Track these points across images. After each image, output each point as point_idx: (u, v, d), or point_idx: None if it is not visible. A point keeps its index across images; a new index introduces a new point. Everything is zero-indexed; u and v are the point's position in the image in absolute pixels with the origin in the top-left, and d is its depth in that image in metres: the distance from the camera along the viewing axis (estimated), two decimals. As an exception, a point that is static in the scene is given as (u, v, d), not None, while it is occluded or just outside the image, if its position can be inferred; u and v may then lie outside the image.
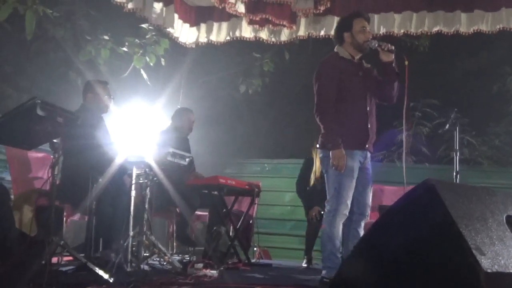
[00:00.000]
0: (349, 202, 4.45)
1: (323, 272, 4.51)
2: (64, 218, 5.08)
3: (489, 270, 1.89)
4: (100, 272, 3.94)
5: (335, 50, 4.67)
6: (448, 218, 1.99)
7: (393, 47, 4.48)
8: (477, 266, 1.88)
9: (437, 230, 2.05)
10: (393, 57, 4.50)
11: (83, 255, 4.51)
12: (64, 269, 4.43)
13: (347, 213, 4.48)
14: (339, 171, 4.41)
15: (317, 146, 4.69)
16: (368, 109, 4.57)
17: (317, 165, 6.59)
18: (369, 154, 4.65)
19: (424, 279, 2.10)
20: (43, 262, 3.59)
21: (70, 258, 4.70)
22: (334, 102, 4.47)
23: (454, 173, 5.11)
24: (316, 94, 4.53)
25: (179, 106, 8.19)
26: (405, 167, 4.72)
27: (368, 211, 4.65)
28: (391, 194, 7.51)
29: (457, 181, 5.22)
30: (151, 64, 7.88)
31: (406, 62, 4.43)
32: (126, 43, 7.80)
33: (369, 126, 4.56)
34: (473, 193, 2.22)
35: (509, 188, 8.49)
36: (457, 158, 5.12)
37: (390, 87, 4.58)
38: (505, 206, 2.25)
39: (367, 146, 4.57)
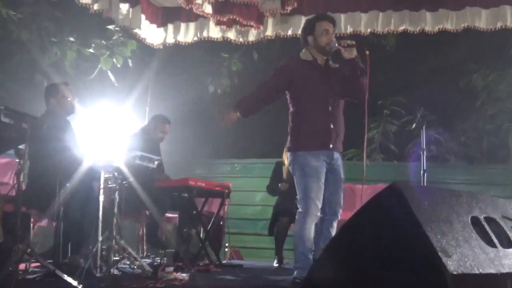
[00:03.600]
0: (318, 203, 4.49)
1: (295, 272, 4.54)
2: (32, 224, 5.01)
3: (455, 272, 1.91)
4: (69, 279, 3.89)
5: (300, 53, 4.77)
6: (414, 221, 2.01)
7: (353, 42, 4.53)
8: (443, 268, 1.90)
9: (404, 232, 2.07)
10: (355, 52, 4.55)
11: (51, 261, 4.45)
12: (32, 276, 4.36)
13: (318, 214, 4.51)
14: (304, 172, 4.52)
15: (286, 149, 4.80)
16: (330, 109, 4.60)
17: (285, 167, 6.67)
18: (337, 155, 4.66)
19: (392, 281, 2.12)
20: (10, 269, 3.53)
21: (38, 264, 4.64)
22: (269, 96, 4.76)
23: (422, 172, 5.17)
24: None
25: (147, 108, 8.14)
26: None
27: (340, 211, 4.68)
28: (361, 193, 7.57)
29: (425, 179, 5.28)
30: (118, 65, 7.81)
31: (367, 52, 4.49)
32: (93, 45, 7.72)
33: (331, 126, 4.59)
34: (439, 195, 2.25)
35: (475, 184, 8.62)
36: (424, 157, 5.18)
37: (358, 83, 4.59)
38: (470, 207, 2.28)
39: (331, 146, 4.60)
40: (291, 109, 4.72)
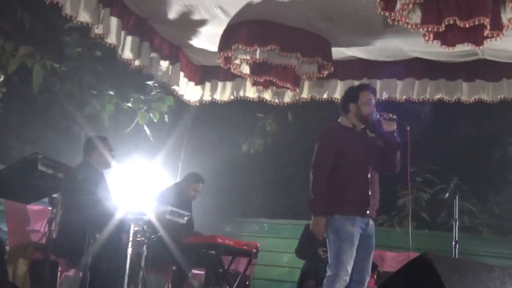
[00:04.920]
0: (349, 268, 4.45)
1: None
2: (59, 273, 5.03)
3: None
4: (92, 331, 3.88)
5: (339, 120, 4.81)
6: (444, 294, 1.97)
7: (394, 116, 4.57)
8: None
9: (433, 305, 2.03)
10: (395, 126, 4.59)
11: (75, 312, 4.45)
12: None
13: (347, 279, 4.46)
14: (339, 237, 4.44)
15: None
16: (369, 176, 4.62)
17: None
18: (371, 222, 4.65)
19: None
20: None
21: (62, 314, 4.64)
22: (328, 170, 4.57)
23: (454, 242, 5.07)
24: (312, 161, 4.64)
25: (180, 163, 8.22)
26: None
27: (368, 279, 4.62)
28: (391, 260, 7.45)
29: (456, 250, 5.19)
30: (155, 120, 7.95)
31: (408, 128, 4.53)
32: (131, 99, 7.89)
33: (370, 193, 4.59)
34: (470, 269, 2.20)
35: (509, 258, 8.40)
36: (456, 228, 5.09)
37: (393, 156, 4.66)
38: (502, 283, 2.23)
39: (367, 212, 4.58)
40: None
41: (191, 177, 6.75)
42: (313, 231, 4.51)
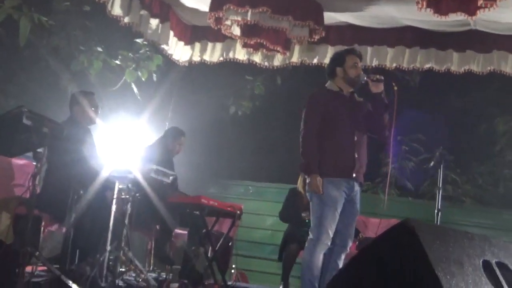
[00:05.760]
0: (331, 232, 4.48)
1: (300, 300, 4.51)
2: (42, 228, 5.03)
3: (462, 315, 1.89)
4: (74, 286, 3.91)
5: (326, 84, 4.82)
6: (425, 260, 1.99)
7: (381, 77, 4.58)
8: (451, 310, 1.88)
9: (413, 271, 2.05)
10: (382, 87, 4.59)
11: (58, 266, 4.45)
12: (37, 280, 4.37)
13: (329, 243, 4.49)
14: (321, 200, 4.47)
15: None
16: (356, 139, 4.63)
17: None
18: (357, 187, 4.66)
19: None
20: (17, 271, 3.55)
21: (45, 268, 4.64)
22: (316, 133, 4.59)
23: (436, 211, 5.13)
24: (301, 126, 4.67)
25: (167, 123, 8.18)
26: (388, 199, 4.76)
27: (350, 244, 4.67)
28: (374, 226, 7.51)
29: (439, 219, 5.25)
30: (143, 79, 7.88)
31: (396, 88, 4.53)
32: (119, 56, 7.81)
33: (356, 156, 4.60)
34: (451, 236, 2.22)
35: (489, 228, 8.52)
36: (439, 196, 5.14)
37: (380, 118, 4.66)
38: (482, 251, 2.26)
39: (354, 175, 4.60)
40: None
41: (175, 132, 6.72)
42: (311, 190, 4.50)
